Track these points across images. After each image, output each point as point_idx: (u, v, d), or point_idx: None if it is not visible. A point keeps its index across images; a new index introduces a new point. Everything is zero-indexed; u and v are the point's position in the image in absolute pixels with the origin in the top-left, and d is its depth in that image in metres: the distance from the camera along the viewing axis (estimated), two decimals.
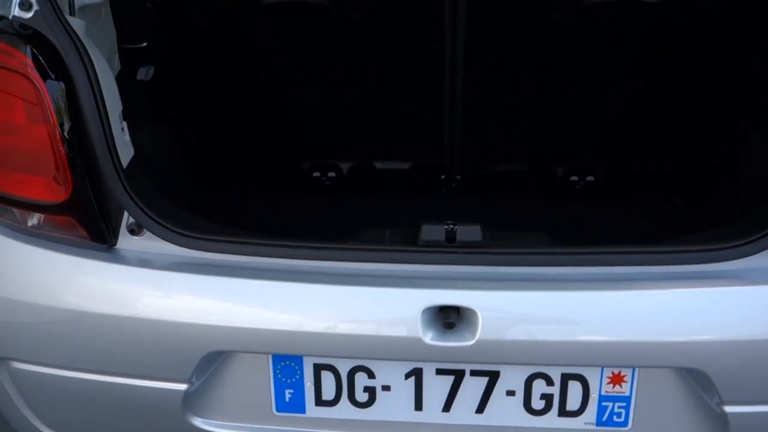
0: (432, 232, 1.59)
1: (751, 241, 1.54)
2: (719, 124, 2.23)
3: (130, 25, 1.94)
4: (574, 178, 2.42)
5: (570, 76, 2.08)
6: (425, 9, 1.93)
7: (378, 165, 2.41)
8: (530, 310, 1.53)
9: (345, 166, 2.42)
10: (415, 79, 2.11)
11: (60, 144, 1.51)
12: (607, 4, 1.87)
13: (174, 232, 1.58)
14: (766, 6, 1.88)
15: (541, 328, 1.51)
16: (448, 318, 1.47)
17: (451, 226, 1.60)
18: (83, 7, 1.66)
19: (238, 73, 2.13)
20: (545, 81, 2.09)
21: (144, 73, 2.02)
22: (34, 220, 1.62)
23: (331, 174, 2.44)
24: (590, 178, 2.42)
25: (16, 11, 1.51)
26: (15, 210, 1.61)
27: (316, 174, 2.44)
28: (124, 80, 1.98)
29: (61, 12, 1.52)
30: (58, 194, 1.55)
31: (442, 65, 2.04)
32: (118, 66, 1.97)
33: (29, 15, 1.51)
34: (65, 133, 1.52)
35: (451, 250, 1.58)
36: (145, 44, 2.00)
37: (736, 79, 2.06)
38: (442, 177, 2.45)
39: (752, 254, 1.55)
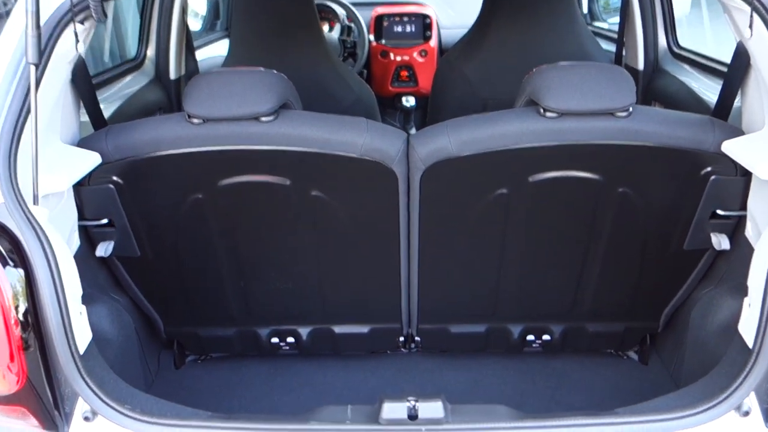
0: (394, 410, 1.59)
1: (703, 411, 1.59)
2: (665, 285, 2.33)
3: (91, 204, 1.98)
4: (531, 337, 2.46)
5: (521, 245, 2.17)
6: (380, 191, 2.03)
7: (337, 330, 2.42)
8: None
9: (304, 332, 2.42)
10: (372, 249, 2.18)
11: (16, 333, 1.50)
12: (553, 180, 1.99)
13: (130, 417, 1.55)
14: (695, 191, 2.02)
15: None
16: None
17: (413, 403, 1.60)
18: (47, 196, 1.70)
19: (198, 244, 2.16)
20: (498, 249, 2.17)
21: (104, 249, 2.04)
22: None
23: (291, 339, 2.44)
24: (546, 337, 2.46)
25: None
26: None
27: (275, 340, 2.44)
28: (83, 257, 1.99)
29: (25, 203, 1.56)
30: (11, 384, 1.51)
31: (398, 237, 2.12)
32: (77, 243, 1.99)
33: None
34: (21, 322, 1.51)
35: (413, 428, 1.57)
36: (105, 221, 2.03)
37: (675, 247, 2.17)
38: (401, 339, 2.48)
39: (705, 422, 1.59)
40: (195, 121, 1.91)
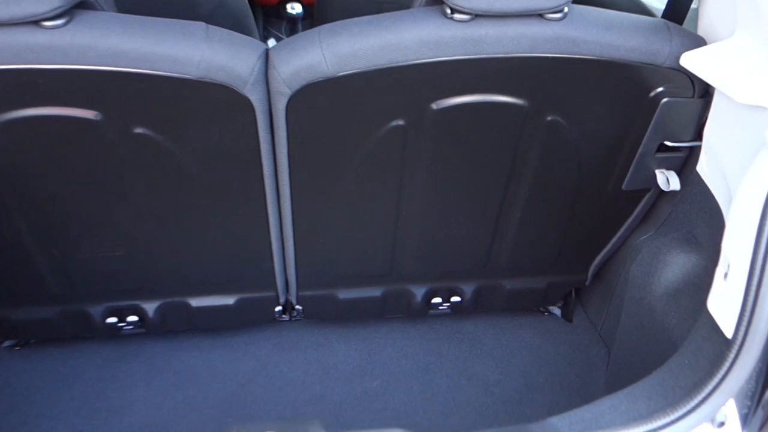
0: None
1: (667, 425, 1.18)
2: (597, 233, 1.92)
3: None
4: (437, 300, 2.02)
5: (423, 191, 1.68)
6: (232, 125, 1.48)
7: (194, 303, 1.90)
8: None
9: (150, 308, 1.89)
10: (231, 202, 1.64)
11: None
12: (464, 107, 1.49)
13: None
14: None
15: None
16: None
17: None
18: None
19: None
20: (394, 197, 1.68)
21: None
22: None
23: (133, 318, 1.90)
24: (456, 299, 2.03)
25: None
26: None
27: (112, 320, 1.89)
28: None
29: None
30: None
31: (263, 186, 1.59)
32: None
33: None
34: None
35: None
36: None
37: (613, 188, 1.75)
38: (278, 309, 1.98)
39: None
40: None
